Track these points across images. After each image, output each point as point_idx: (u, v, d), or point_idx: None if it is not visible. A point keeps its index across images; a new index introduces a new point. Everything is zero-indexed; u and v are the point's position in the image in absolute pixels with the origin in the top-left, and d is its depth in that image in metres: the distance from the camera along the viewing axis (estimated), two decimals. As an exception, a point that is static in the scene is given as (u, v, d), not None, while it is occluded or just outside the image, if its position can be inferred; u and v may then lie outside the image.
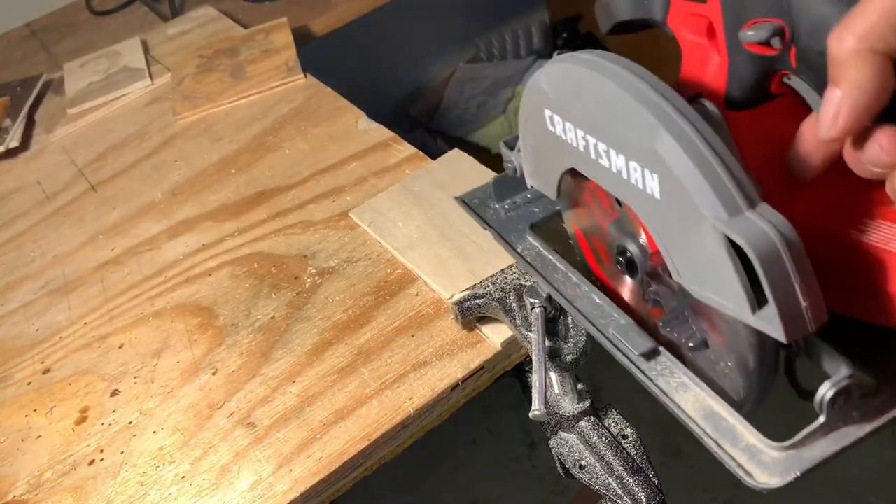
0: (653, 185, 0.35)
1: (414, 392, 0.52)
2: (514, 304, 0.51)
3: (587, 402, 0.48)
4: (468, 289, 0.54)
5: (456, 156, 0.70)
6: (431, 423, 0.53)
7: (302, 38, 1.03)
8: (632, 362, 0.41)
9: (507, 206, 0.54)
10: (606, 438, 0.47)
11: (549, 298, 0.49)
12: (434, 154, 0.71)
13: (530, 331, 0.48)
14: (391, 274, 0.61)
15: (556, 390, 0.49)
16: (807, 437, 0.36)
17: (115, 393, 0.59)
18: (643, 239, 0.41)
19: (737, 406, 0.39)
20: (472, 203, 0.56)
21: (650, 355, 0.41)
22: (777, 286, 0.30)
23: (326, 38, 1.09)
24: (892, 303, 0.35)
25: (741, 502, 1.26)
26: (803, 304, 0.31)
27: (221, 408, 0.55)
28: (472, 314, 0.54)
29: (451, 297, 0.54)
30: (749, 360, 0.36)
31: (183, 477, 0.51)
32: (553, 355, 0.48)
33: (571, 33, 1.66)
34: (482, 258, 0.59)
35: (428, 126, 1.69)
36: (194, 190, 0.78)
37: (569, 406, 0.48)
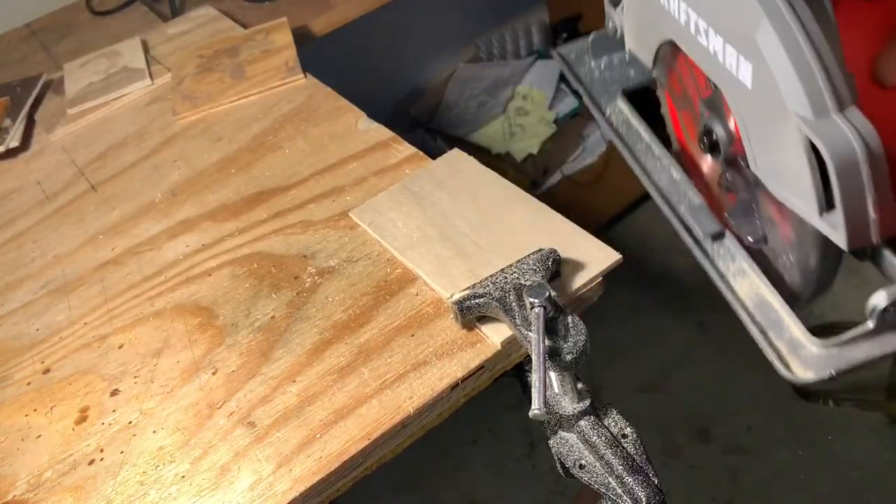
0: (746, 73, 0.33)
1: (414, 391, 0.52)
2: (513, 304, 0.51)
3: (587, 402, 0.48)
4: (468, 288, 0.54)
5: (456, 156, 0.70)
6: (431, 422, 0.53)
7: (302, 38, 1.03)
8: (696, 242, 0.41)
9: (602, 65, 0.51)
10: (606, 438, 0.47)
11: (549, 297, 0.49)
12: (434, 154, 0.71)
13: (530, 330, 0.48)
14: (391, 274, 0.61)
15: (556, 390, 0.49)
16: (851, 339, 0.36)
17: (115, 393, 0.59)
18: (731, 123, 0.40)
19: (789, 300, 0.38)
20: (567, 57, 0.54)
21: (717, 237, 0.41)
22: (848, 194, 0.30)
23: (326, 38, 1.09)
24: None
25: (741, 502, 1.26)
26: (872, 215, 0.31)
27: (221, 407, 0.55)
28: (471, 314, 0.54)
29: (451, 296, 0.54)
30: (810, 259, 0.36)
31: (183, 476, 0.51)
32: (553, 355, 0.48)
33: (571, 33, 1.66)
34: (482, 258, 0.59)
35: (428, 126, 1.69)
36: (194, 190, 0.78)
37: (569, 405, 0.48)
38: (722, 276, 0.40)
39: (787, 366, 0.36)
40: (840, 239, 0.32)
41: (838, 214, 0.31)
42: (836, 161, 0.30)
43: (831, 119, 0.30)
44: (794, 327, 0.38)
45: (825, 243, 0.35)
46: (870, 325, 0.34)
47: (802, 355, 0.37)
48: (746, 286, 0.40)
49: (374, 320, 0.58)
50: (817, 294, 0.38)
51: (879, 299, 0.33)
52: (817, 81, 0.30)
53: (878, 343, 0.35)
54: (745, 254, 0.40)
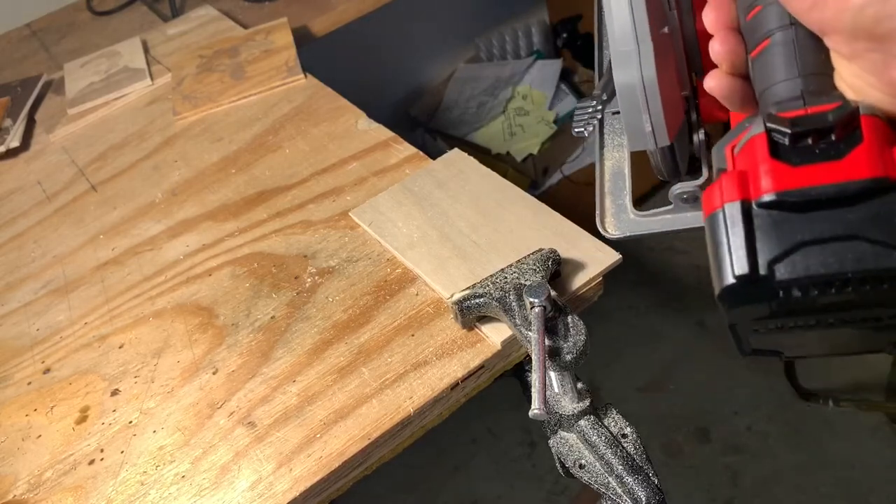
0: None
1: (414, 391, 0.52)
2: (513, 304, 0.51)
3: (587, 402, 0.48)
4: (468, 288, 0.54)
5: (456, 156, 0.70)
6: (431, 422, 0.53)
7: (302, 38, 1.03)
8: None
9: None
10: (606, 437, 0.47)
11: (549, 297, 0.49)
12: (434, 154, 0.71)
13: (530, 330, 0.48)
14: (391, 273, 0.61)
15: (556, 389, 0.49)
16: (655, 213, 0.45)
17: (115, 392, 0.59)
18: None
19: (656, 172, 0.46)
20: None
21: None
22: (626, 111, 0.39)
23: (326, 38, 1.10)
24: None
25: (741, 502, 1.27)
26: (647, 128, 0.39)
27: (221, 407, 0.55)
28: (471, 313, 0.54)
29: (451, 296, 0.54)
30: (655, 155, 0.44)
31: (183, 476, 0.52)
32: (553, 354, 0.48)
33: (571, 33, 1.66)
34: (482, 258, 0.59)
35: (428, 126, 1.69)
36: (194, 190, 0.78)
37: (568, 405, 0.48)
38: (602, 146, 0.50)
39: (602, 222, 0.46)
40: (625, 140, 0.43)
41: (623, 123, 0.40)
42: (618, 86, 0.38)
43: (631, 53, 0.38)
44: (628, 197, 0.47)
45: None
46: (671, 207, 0.44)
47: (621, 218, 0.47)
48: (617, 157, 0.49)
49: (375, 320, 0.58)
50: (671, 177, 0.46)
51: (676, 188, 0.43)
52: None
53: (672, 221, 0.45)
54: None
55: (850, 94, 0.31)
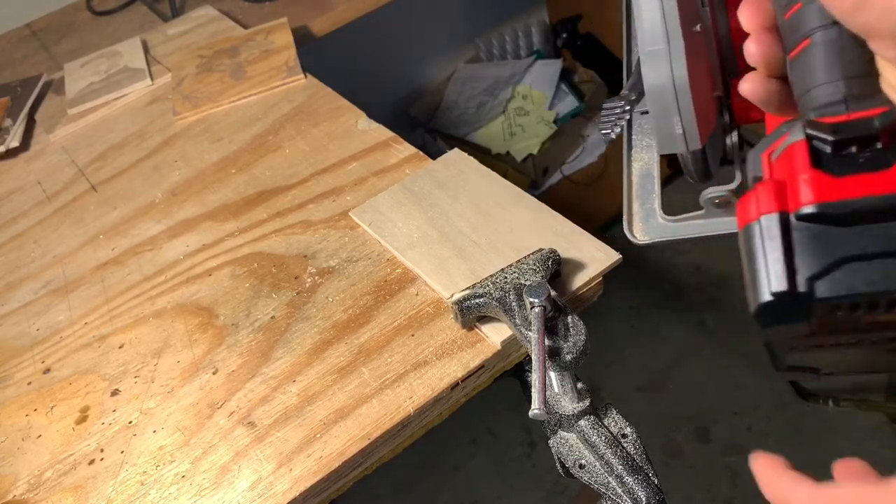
0: None
1: (414, 391, 0.52)
2: (513, 304, 0.51)
3: (587, 402, 0.48)
4: (468, 288, 0.54)
5: (456, 156, 0.70)
6: (431, 422, 0.53)
7: (302, 38, 1.03)
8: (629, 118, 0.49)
9: None
10: (606, 437, 0.47)
11: (549, 297, 0.49)
12: (434, 154, 0.71)
13: (530, 330, 0.48)
14: (391, 273, 0.61)
15: (556, 389, 0.49)
16: (685, 218, 0.44)
17: (115, 392, 0.59)
18: None
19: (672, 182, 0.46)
20: None
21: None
22: (657, 114, 0.38)
23: (326, 38, 1.10)
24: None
25: (740, 502, 1.27)
26: (678, 131, 0.38)
27: (221, 407, 0.55)
28: (471, 313, 0.54)
29: (451, 296, 0.54)
30: (687, 159, 0.43)
31: (183, 476, 0.52)
32: (553, 354, 0.48)
33: (571, 33, 1.66)
34: (482, 258, 0.59)
35: (428, 126, 1.69)
36: (194, 190, 0.78)
37: (568, 405, 0.48)
38: (630, 147, 0.48)
39: (630, 227, 0.45)
40: (655, 143, 0.41)
41: (653, 126, 0.39)
42: (647, 87, 0.37)
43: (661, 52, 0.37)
44: (656, 201, 0.46)
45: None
46: (703, 212, 0.43)
47: (650, 223, 0.46)
48: (645, 159, 0.48)
49: (375, 320, 0.58)
50: (702, 180, 0.45)
51: (708, 192, 0.42)
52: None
53: (703, 226, 0.44)
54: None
55: None
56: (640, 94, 0.49)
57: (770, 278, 0.27)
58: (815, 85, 0.31)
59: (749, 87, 0.35)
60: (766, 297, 0.27)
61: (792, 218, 0.28)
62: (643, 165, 0.48)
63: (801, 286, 0.27)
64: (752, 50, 0.34)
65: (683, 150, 0.39)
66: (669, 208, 0.47)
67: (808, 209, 0.28)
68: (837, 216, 0.27)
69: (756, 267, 0.28)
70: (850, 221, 0.27)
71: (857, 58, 0.30)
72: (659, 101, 0.37)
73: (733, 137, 0.43)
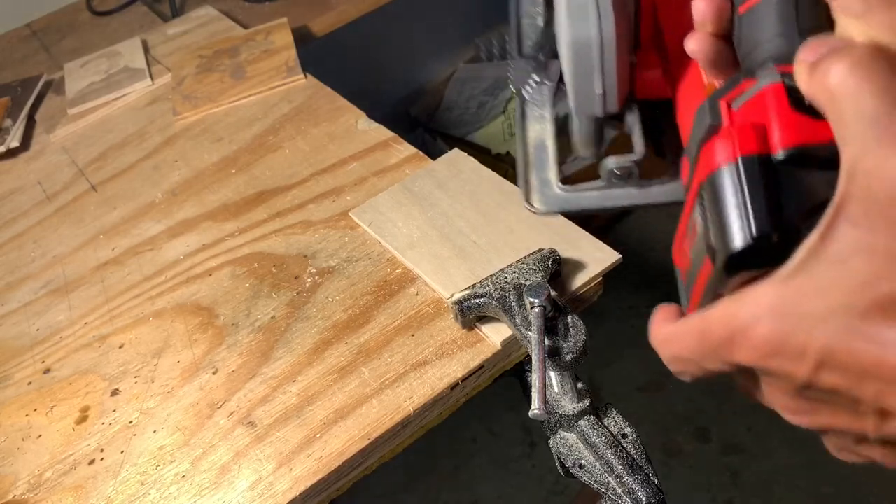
0: None
1: (414, 391, 0.52)
2: (513, 304, 0.51)
3: (587, 402, 0.48)
4: (468, 288, 0.54)
5: (456, 156, 0.70)
6: (431, 422, 0.53)
7: (302, 38, 1.03)
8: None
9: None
10: (606, 438, 0.47)
11: (549, 297, 0.49)
12: (434, 154, 0.71)
13: (530, 330, 0.48)
14: (391, 273, 0.61)
15: (556, 389, 0.49)
16: (585, 189, 0.43)
17: (115, 392, 0.59)
18: None
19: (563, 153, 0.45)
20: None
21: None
22: (577, 71, 0.37)
23: (326, 38, 1.09)
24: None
25: (741, 502, 1.27)
26: (597, 91, 0.36)
27: (222, 407, 0.55)
28: (471, 313, 0.54)
29: (451, 296, 0.54)
30: (581, 123, 0.42)
31: (183, 476, 0.52)
32: (553, 354, 0.48)
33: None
34: (482, 258, 0.59)
35: (428, 126, 1.69)
36: (194, 190, 0.78)
37: (568, 405, 0.48)
38: (524, 116, 0.48)
39: (528, 198, 0.44)
40: (571, 104, 0.38)
41: (569, 86, 0.37)
42: (572, 41, 0.36)
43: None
44: (552, 172, 0.45)
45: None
46: (602, 182, 0.42)
47: (546, 193, 0.45)
48: (538, 129, 0.47)
49: (375, 320, 0.58)
50: (594, 153, 0.45)
51: (610, 162, 0.41)
52: None
53: (604, 197, 0.43)
54: (550, 108, 0.47)
55: None
56: (549, 55, 0.47)
57: (752, 221, 0.26)
58: (768, 38, 0.31)
59: (697, 46, 0.34)
60: (746, 241, 0.26)
61: (773, 160, 0.27)
62: (537, 136, 0.47)
63: (788, 226, 0.26)
64: (702, 7, 0.34)
65: (600, 113, 0.38)
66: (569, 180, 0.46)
67: (792, 150, 0.26)
68: (822, 158, 0.26)
69: (729, 213, 0.27)
70: (833, 165, 0.26)
71: (812, 10, 0.30)
72: (582, 57, 0.36)
73: (634, 111, 0.42)
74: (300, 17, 1.07)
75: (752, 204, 0.26)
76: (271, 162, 0.78)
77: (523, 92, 0.48)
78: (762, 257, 0.26)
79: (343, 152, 0.76)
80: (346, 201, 0.70)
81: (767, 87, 0.28)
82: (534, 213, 0.44)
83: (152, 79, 0.98)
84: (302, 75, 0.89)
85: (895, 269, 0.22)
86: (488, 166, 0.68)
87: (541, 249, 0.55)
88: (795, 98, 0.27)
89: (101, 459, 0.54)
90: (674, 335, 0.30)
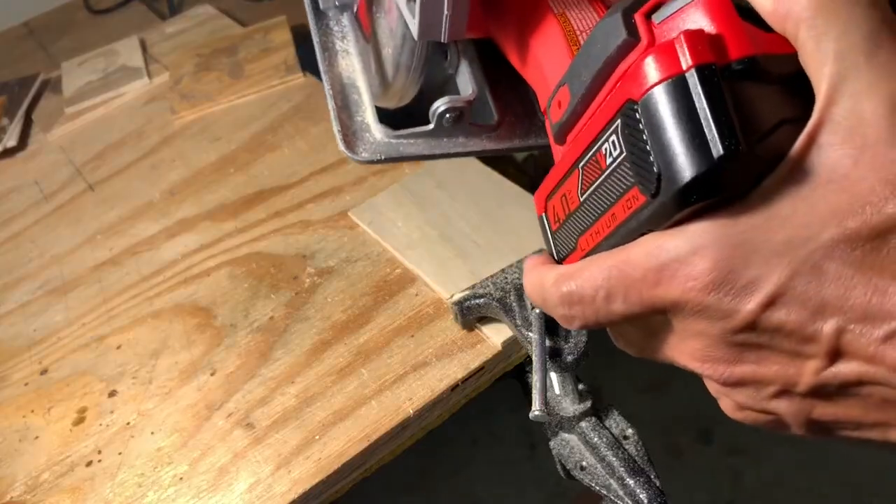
0: None
1: (413, 393, 0.52)
2: (514, 304, 0.51)
3: (588, 403, 0.48)
4: (468, 288, 0.53)
5: (456, 155, 0.69)
6: (431, 423, 0.53)
7: (301, 37, 1.03)
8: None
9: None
10: (607, 439, 0.47)
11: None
12: (434, 153, 0.70)
13: (531, 331, 0.48)
14: (391, 274, 0.61)
15: (557, 391, 0.48)
16: (411, 135, 0.39)
17: (113, 394, 0.58)
18: None
19: (380, 90, 0.41)
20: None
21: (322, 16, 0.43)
22: None
23: (325, 37, 1.09)
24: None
25: (742, 503, 1.26)
26: (445, 12, 0.33)
27: (220, 408, 0.55)
28: (472, 314, 0.53)
29: (451, 296, 0.54)
30: (401, 53, 0.38)
31: (181, 478, 0.51)
32: (554, 355, 0.48)
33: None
34: (482, 258, 0.58)
35: (427, 125, 1.68)
36: (192, 189, 0.77)
37: (569, 407, 0.48)
38: (325, 49, 0.43)
39: (350, 147, 0.40)
40: (413, 28, 0.34)
41: (416, 3, 0.33)
42: None
43: None
44: (370, 115, 0.41)
45: (410, 37, 0.37)
46: (430, 126, 0.39)
47: (366, 139, 0.41)
48: (345, 66, 0.43)
49: (374, 321, 0.58)
50: (406, 93, 0.41)
51: (439, 104, 0.38)
52: None
53: (432, 144, 0.40)
54: (358, 36, 0.44)
55: None
56: None
57: (718, 139, 0.22)
58: None
59: None
60: (709, 162, 0.22)
61: (730, 71, 0.23)
62: (345, 74, 0.43)
63: (750, 147, 0.22)
64: None
65: (443, 38, 0.34)
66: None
67: (747, 60, 0.23)
68: (774, 73, 0.23)
69: (686, 132, 0.22)
70: (789, 81, 0.23)
71: None
72: None
73: (458, 47, 0.40)
74: (299, 16, 1.07)
75: (714, 120, 0.22)
76: (270, 161, 0.78)
77: (329, 20, 0.43)
78: (723, 183, 0.23)
79: (342, 152, 0.76)
80: (346, 201, 0.69)
81: None
82: (358, 162, 0.40)
83: (150, 77, 0.98)
84: (301, 74, 0.89)
85: (874, 202, 0.21)
86: (488, 166, 0.68)
87: (541, 249, 0.55)
88: (738, 7, 0.24)
89: (99, 461, 0.54)
90: (574, 273, 0.27)
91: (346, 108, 0.41)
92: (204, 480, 0.51)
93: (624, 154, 0.25)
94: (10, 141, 0.94)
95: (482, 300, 0.52)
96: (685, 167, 0.22)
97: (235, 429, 0.53)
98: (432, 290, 0.58)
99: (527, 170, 1.59)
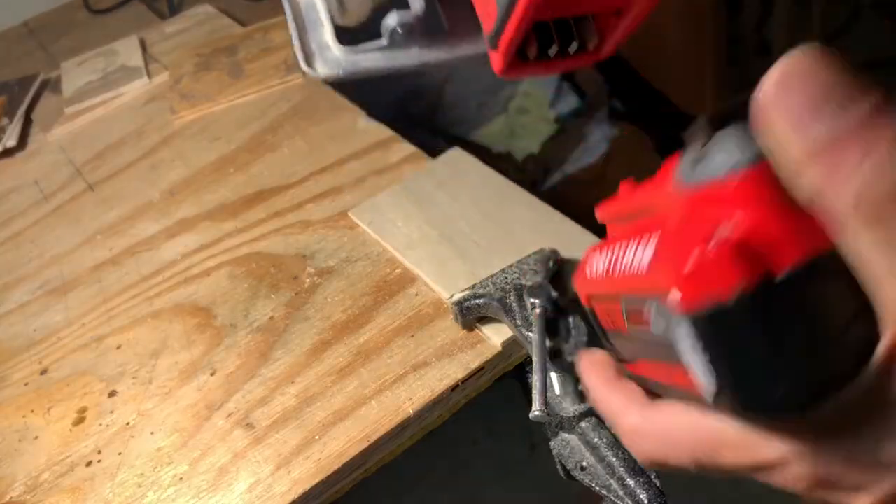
0: None
1: (413, 393, 0.52)
2: (514, 304, 0.51)
3: (588, 403, 0.48)
4: (468, 288, 0.53)
5: (456, 154, 0.69)
6: (431, 424, 0.53)
7: None
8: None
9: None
10: (608, 439, 0.47)
11: (550, 298, 0.49)
12: (434, 154, 0.70)
13: (531, 331, 0.48)
14: (391, 274, 0.61)
15: (557, 391, 0.48)
16: (368, 49, 0.41)
17: (112, 394, 0.58)
18: None
19: (337, 9, 0.42)
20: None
21: None
22: None
23: (325, 36, 1.09)
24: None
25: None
26: None
27: (220, 408, 0.55)
28: (472, 314, 0.53)
29: (451, 296, 0.54)
30: None
31: (181, 478, 0.51)
32: (554, 356, 0.48)
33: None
34: (482, 258, 0.58)
35: (428, 126, 1.68)
36: (192, 189, 0.77)
37: (570, 407, 0.48)
38: None
39: (309, 63, 0.42)
40: None
41: None
42: None
43: None
44: (328, 31, 0.43)
45: None
46: (384, 41, 0.40)
47: (326, 56, 0.42)
48: None
49: (374, 321, 0.57)
50: (362, 4, 0.43)
51: (391, 19, 0.39)
52: None
53: (388, 58, 0.41)
54: None
55: None
56: None
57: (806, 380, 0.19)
58: None
59: None
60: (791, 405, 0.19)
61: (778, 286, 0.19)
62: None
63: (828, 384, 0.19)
64: None
65: None
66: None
67: (801, 268, 0.18)
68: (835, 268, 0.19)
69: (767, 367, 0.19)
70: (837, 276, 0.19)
71: None
72: None
73: None
74: (299, 16, 1.07)
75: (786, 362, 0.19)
76: (270, 161, 0.78)
77: None
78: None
79: (342, 151, 0.76)
80: (346, 201, 0.69)
81: (751, 166, 0.19)
82: (316, 77, 0.41)
83: (150, 77, 0.98)
84: (301, 74, 0.89)
85: None
86: (489, 165, 0.68)
87: (542, 249, 0.55)
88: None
89: (99, 461, 0.54)
90: (656, 438, 0.26)
91: (305, 28, 0.43)
92: (204, 480, 0.51)
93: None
94: (10, 141, 0.93)
95: (482, 300, 0.52)
96: (763, 401, 0.20)
97: (235, 429, 0.53)
98: (432, 290, 0.58)
99: (527, 169, 1.59)
